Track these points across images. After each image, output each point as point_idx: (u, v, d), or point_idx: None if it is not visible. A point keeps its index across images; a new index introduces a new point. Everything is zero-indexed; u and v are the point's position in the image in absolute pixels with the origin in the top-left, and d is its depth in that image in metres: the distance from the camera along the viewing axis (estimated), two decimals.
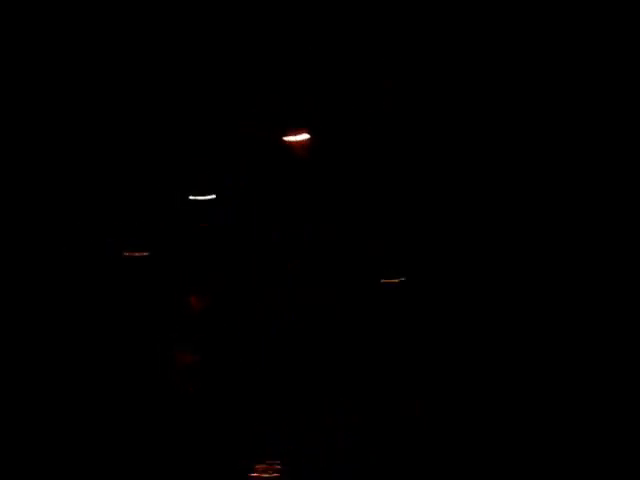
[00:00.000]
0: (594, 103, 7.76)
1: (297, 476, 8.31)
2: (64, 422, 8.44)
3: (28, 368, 8.56)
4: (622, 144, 7.71)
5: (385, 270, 9.32)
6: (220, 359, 9.86)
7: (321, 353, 9.32)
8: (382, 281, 9.29)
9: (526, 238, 8.21)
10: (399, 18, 8.13)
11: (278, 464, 8.20)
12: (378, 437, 8.42)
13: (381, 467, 8.20)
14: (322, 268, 9.54)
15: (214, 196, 10.10)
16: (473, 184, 8.69)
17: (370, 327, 9.25)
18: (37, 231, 9.11)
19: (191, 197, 10.33)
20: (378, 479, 8.12)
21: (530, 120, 8.16)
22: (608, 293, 7.67)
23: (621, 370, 7.56)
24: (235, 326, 10.33)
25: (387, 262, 9.32)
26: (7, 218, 8.91)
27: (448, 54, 8.27)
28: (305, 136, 9.11)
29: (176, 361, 9.71)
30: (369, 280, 9.37)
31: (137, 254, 10.11)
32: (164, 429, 8.67)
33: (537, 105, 8.09)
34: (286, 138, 9.16)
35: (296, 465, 8.33)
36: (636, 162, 7.68)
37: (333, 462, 8.29)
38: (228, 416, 8.94)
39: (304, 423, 8.63)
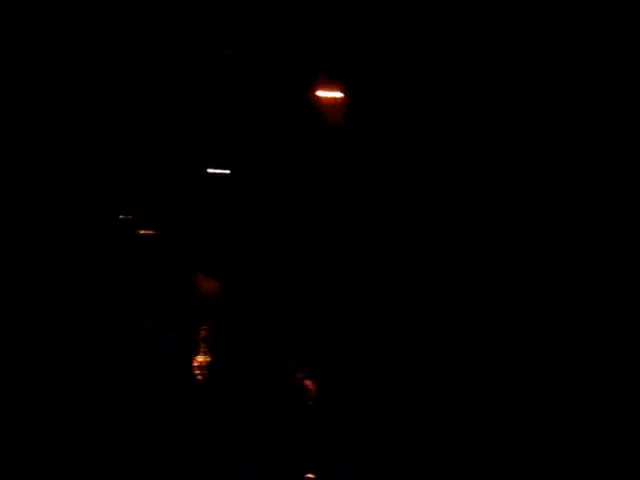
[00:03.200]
0: (594, 103, 7.76)
1: (297, 475, 8.31)
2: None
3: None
4: (622, 144, 7.71)
5: (384, 270, 9.33)
6: (221, 358, 9.86)
7: (321, 353, 9.33)
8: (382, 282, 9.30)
9: (527, 241, 8.21)
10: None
11: None
12: (378, 437, 8.42)
13: (381, 467, 8.19)
14: (322, 268, 9.55)
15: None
16: (472, 184, 8.69)
17: (370, 327, 9.26)
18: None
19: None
20: (378, 479, 8.12)
21: (530, 120, 8.16)
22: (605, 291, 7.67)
23: (621, 370, 7.56)
24: (235, 325, 10.32)
25: (386, 262, 9.33)
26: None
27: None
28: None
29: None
30: (368, 280, 9.38)
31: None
32: (162, 427, 8.68)
33: (537, 105, 8.09)
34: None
35: (296, 465, 8.33)
36: (636, 162, 7.67)
37: (333, 462, 8.29)
38: (228, 416, 8.95)
39: (304, 423, 8.64)
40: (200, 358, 10.51)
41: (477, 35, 8.16)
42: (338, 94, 9.35)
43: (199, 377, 9.96)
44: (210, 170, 12.23)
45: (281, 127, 10.25)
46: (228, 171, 11.69)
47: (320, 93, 9.45)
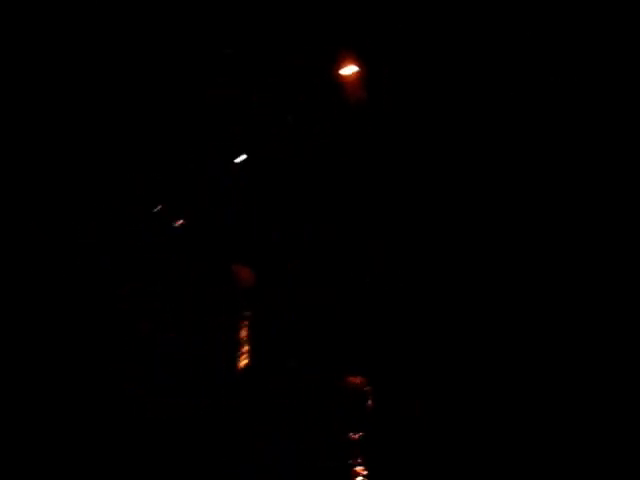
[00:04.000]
0: (594, 103, 7.76)
1: (297, 475, 8.31)
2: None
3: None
4: (622, 144, 7.70)
5: (384, 270, 9.33)
6: (220, 358, 9.85)
7: (320, 353, 9.33)
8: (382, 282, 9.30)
9: (529, 242, 8.21)
10: None
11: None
12: (378, 437, 8.41)
13: (381, 467, 8.19)
14: (322, 268, 9.54)
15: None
16: (472, 183, 8.68)
17: (370, 326, 9.26)
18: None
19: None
20: (378, 479, 8.11)
21: (530, 120, 8.16)
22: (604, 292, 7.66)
23: (621, 370, 7.55)
24: (236, 325, 10.32)
25: (387, 262, 9.33)
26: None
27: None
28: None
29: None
30: (368, 280, 9.38)
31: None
32: (161, 427, 8.68)
33: (537, 105, 8.08)
34: None
35: (296, 464, 8.33)
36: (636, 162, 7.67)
37: (333, 462, 8.29)
38: (228, 416, 8.95)
39: (303, 423, 8.63)
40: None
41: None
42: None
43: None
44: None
45: (281, 126, 10.26)
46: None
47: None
